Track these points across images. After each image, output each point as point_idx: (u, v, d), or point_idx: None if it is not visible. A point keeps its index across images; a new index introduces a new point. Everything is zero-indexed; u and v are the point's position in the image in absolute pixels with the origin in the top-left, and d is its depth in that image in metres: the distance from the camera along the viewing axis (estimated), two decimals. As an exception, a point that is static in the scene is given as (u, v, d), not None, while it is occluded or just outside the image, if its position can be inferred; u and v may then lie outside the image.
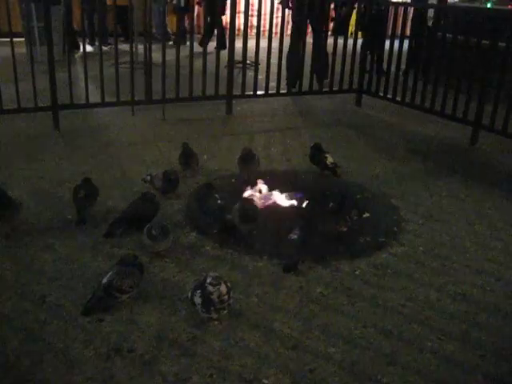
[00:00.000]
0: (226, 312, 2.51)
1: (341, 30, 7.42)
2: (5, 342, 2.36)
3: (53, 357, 2.28)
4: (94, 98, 5.54)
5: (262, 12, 6.05)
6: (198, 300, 2.46)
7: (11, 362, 2.24)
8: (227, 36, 6.13)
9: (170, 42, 7.62)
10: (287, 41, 6.17)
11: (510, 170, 4.92)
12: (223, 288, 2.44)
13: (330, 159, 4.34)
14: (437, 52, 6.05)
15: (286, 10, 6.64)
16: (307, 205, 3.60)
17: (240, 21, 6.05)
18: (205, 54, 5.74)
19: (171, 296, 2.72)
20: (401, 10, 6.50)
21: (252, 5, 6.03)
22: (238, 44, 5.98)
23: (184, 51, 5.77)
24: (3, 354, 2.29)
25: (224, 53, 5.87)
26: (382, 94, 6.60)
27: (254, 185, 3.88)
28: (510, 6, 6.78)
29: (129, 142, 5.01)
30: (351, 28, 8.23)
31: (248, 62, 6.35)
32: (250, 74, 6.46)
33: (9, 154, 4.52)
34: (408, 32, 7.11)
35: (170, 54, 5.72)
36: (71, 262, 2.98)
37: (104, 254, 3.07)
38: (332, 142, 5.27)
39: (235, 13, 5.89)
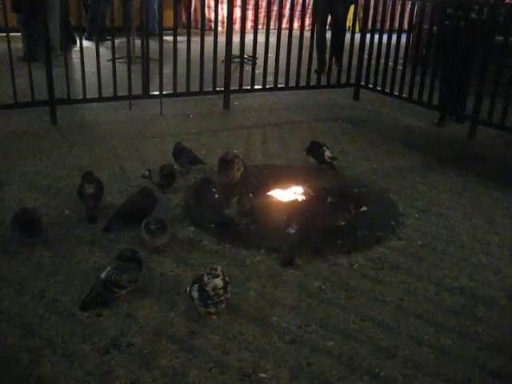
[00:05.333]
0: (223, 306, 2.51)
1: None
2: (3, 337, 2.36)
3: (51, 352, 2.29)
4: (91, 92, 5.52)
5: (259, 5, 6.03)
6: (195, 294, 2.47)
7: (10, 358, 2.24)
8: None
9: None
10: (285, 34, 6.15)
11: (507, 163, 4.93)
12: (218, 281, 2.44)
13: (327, 153, 4.34)
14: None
15: None
16: (305, 199, 3.61)
17: (236, 14, 6.03)
18: (202, 48, 5.72)
19: (169, 291, 2.72)
20: (398, 4, 6.49)
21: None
22: (236, 38, 5.97)
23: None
24: (2, 349, 2.29)
25: (221, 47, 5.85)
26: (379, 88, 6.59)
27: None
28: (507, 0, 6.75)
29: (126, 137, 4.99)
30: (349, 22, 8.23)
31: (245, 56, 6.33)
32: (248, 68, 6.45)
33: (6, 150, 4.50)
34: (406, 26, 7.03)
35: (168, 49, 5.70)
36: (69, 257, 2.98)
37: (102, 249, 3.07)
38: (330, 136, 5.27)
39: (232, 6, 5.87)
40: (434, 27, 5.90)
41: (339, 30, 7.33)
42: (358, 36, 6.76)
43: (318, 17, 7.07)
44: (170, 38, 5.64)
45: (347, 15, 7.72)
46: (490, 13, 5.36)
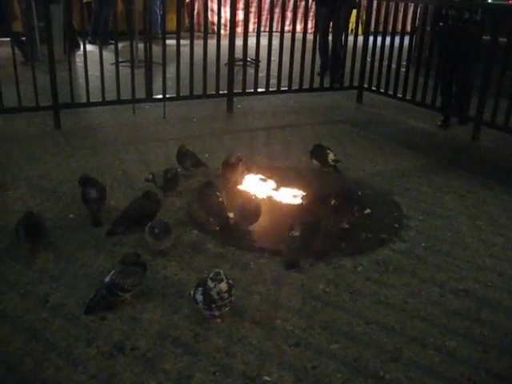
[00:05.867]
0: (227, 309, 2.51)
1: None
2: (8, 341, 2.36)
3: (56, 356, 2.29)
4: (95, 96, 5.54)
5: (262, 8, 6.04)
6: (199, 297, 2.46)
7: (14, 362, 2.25)
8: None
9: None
10: (288, 37, 6.16)
11: (511, 165, 4.92)
12: (223, 285, 2.44)
13: (331, 156, 4.34)
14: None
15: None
16: (309, 202, 3.60)
17: (238, 17, 6.04)
18: (205, 51, 5.73)
19: (173, 294, 2.72)
20: (401, 6, 6.49)
21: (251, 1, 6.00)
22: (239, 41, 5.98)
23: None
24: (6, 353, 2.30)
25: (224, 50, 5.86)
26: (383, 91, 6.59)
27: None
28: (510, 1, 6.75)
29: (130, 141, 5.00)
30: (351, 25, 8.23)
31: (248, 59, 6.34)
32: (251, 71, 6.46)
33: (10, 153, 4.52)
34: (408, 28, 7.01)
35: (171, 52, 5.72)
36: (73, 261, 2.98)
37: (106, 253, 3.08)
38: (333, 139, 5.27)
39: (235, 10, 5.88)
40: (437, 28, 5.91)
41: (339, 41, 7.25)
42: (360, 38, 6.77)
43: (320, 22, 7.06)
44: (173, 42, 5.65)
45: (349, 20, 7.64)
46: (491, 14, 5.37)
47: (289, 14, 8.35)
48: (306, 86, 6.55)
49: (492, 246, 3.39)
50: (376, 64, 6.61)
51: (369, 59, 6.70)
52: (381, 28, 6.56)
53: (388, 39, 6.42)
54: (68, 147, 4.78)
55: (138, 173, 4.17)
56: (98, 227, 3.34)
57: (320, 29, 7.07)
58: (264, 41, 6.10)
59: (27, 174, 4.11)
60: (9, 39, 5.09)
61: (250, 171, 4.02)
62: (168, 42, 5.65)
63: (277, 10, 8.60)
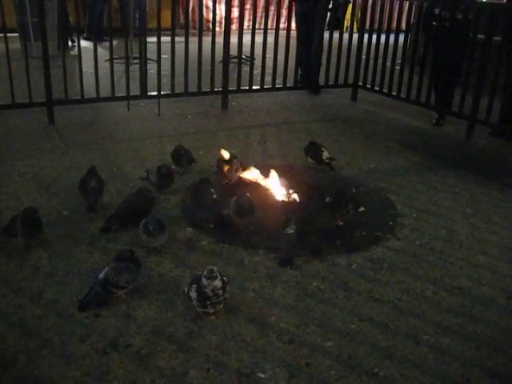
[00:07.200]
0: (222, 306, 2.51)
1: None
2: (1, 338, 2.35)
3: (50, 353, 2.28)
4: (89, 93, 5.52)
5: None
6: (193, 294, 2.46)
7: (8, 359, 2.24)
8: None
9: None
10: (282, 35, 6.16)
11: (505, 164, 4.94)
12: (218, 282, 2.44)
13: (325, 154, 4.34)
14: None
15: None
16: (303, 199, 3.61)
17: (233, 14, 6.02)
18: (200, 48, 5.72)
19: (168, 291, 2.72)
20: (396, 5, 6.49)
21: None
22: (234, 39, 5.97)
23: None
24: (0, 350, 2.29)
25: (219, 47, 5.85)
26: (377, 89, 6.60)
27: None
28: (504, 0, 6.76)
29: (124, 138, 4.99)
30: (346, 22, 8.22)
31: (243, 56, 6.33)
32: (246, 68, 6.45)
33: (4, 150, 4.50)
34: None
35: (166, 49, 5.70)
36: (67, 258, 2.98)
37: (100, 250, 3.07)
38: (327, 137, 5.28)
39: (230, 6, 5.87)
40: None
41: (317, 42, 7.07)
42: (355, 36, 6.77)
43: (298, 27, 6.87)
44: (168, 39, 5.63)
45: (324, 29, 7.34)
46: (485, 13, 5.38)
47: (284, 12, 8.34)
48: (300, 83, 6.54)
49: (486, 243, 3.41)
50: (371, 62, 6.61)
51: (363, 57, 6.70)
52: (376, 25, 6.55)
53: (383, 37, 6.43)
54: (62, 144, 4.77)
55: (133, 169, 4.17)
56: (91, 213, 3.37)
57: (299, 36, 6.77)
58: (259, 38, 6.09)
59: (21, 171, 4.09)
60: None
61: (244, 169, 4.01)
62: (163, 38, 5.63)
63: (272, 8, 8.61)
